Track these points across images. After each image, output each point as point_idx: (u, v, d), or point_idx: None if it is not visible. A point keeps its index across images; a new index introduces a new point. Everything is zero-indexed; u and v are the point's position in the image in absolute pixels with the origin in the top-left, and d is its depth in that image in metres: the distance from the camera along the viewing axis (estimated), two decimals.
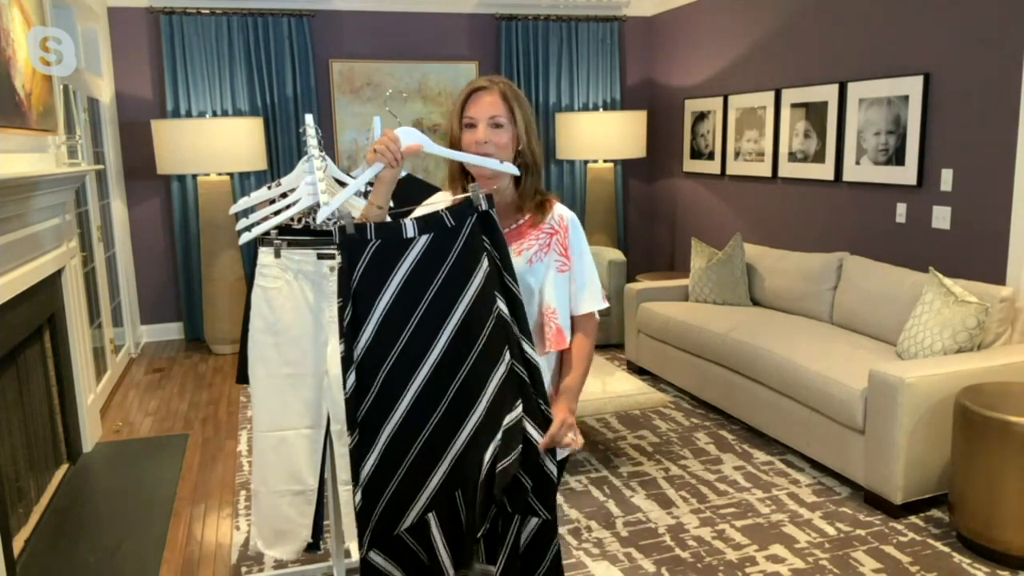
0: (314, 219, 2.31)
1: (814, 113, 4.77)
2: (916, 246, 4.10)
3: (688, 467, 3.64)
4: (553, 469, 1.67)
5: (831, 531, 3.03)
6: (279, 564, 2.85)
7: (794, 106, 4.95)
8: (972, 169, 3.77)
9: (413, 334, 1.67)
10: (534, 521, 1.70)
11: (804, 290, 4.42)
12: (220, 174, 5.61)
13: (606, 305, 1.87)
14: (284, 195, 2.32)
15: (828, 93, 4.64)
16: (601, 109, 6.55)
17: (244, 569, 2.85)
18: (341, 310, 1.67)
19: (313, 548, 2.47)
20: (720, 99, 5.71)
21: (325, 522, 2.53)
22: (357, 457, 1.69)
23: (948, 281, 3.40)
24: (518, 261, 1.75)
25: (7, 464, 2.90)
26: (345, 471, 2.37)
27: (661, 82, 6.63)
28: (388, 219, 1.77)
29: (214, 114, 5.75)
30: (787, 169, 5.06)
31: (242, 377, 2.40)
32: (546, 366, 1.80)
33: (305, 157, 2.32)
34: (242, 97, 5.82)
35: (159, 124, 5.29)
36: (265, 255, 2.29)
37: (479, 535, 1.68)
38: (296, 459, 2.35)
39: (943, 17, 3.87)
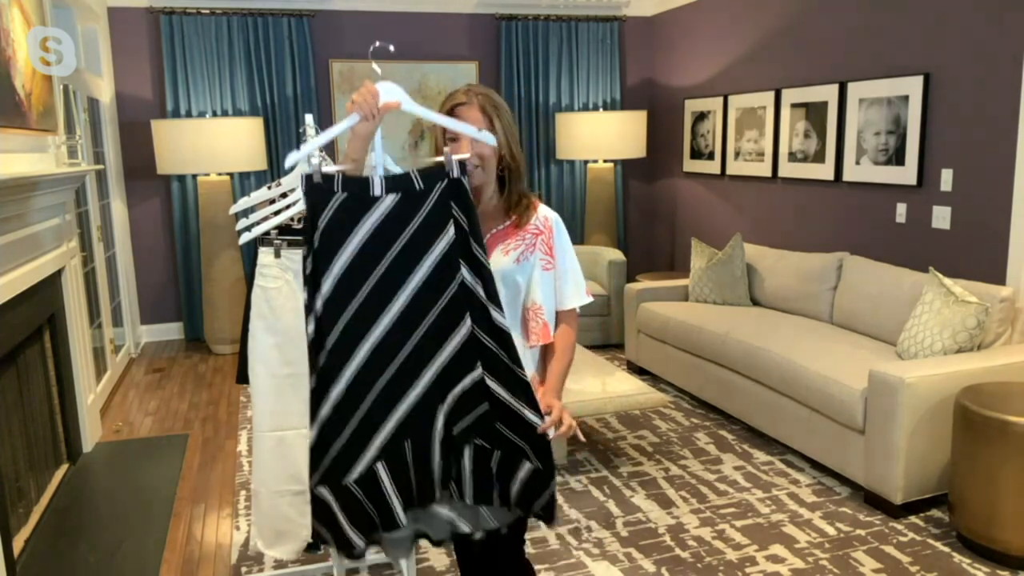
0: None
1: (814, 113, 4.77)
2: (916, 246, 4.10)
3: (688, 467, 3.64)
4: (536, 420, 1.68)
5: (831, 531, 3.03)
6: (279, 564, 2.85)
7: (794, 106, 4.95)
8: (972, 169, 3.77)
9: (373, 289, 1.67)
10: (527, 466, 1.71)
11: (804, 290, 4.42)
12: (220, 174, 5.61)
13: (590, 300, 1.94)
14: (284, 195, 2.32)
15: (828, 93, 4.64)
16: (601, 109, 6.55)
17: (244, 569, 2.85)
18: (304, 259, 1.68)
19: (313, 548, 2.47)
20: (720, 99, 5.71)
21: None
22: (315, 401, 1.71)
23: (948, 281, 3.40)
24: (506, 260, 1.81)
25: (7, 464, 2.90)
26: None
27: (661, 82, 6.63)
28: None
29: (214, 114, 5.75)
30: (787, 169, 5.06)
31: (242, 377, 2.40)
32: (531, 360, 1.88)
33: (305, 157, 2.32)
34: (242, 97, 5.82)
35: (159, 124, 5.29)
36: (265, 255, 2.29)
37: (438, 488, 1.71)
38: (296, 459, 2.35)
39: (943, 17, 3.87)
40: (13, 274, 2.97)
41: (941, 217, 3.94)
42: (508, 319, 1.76)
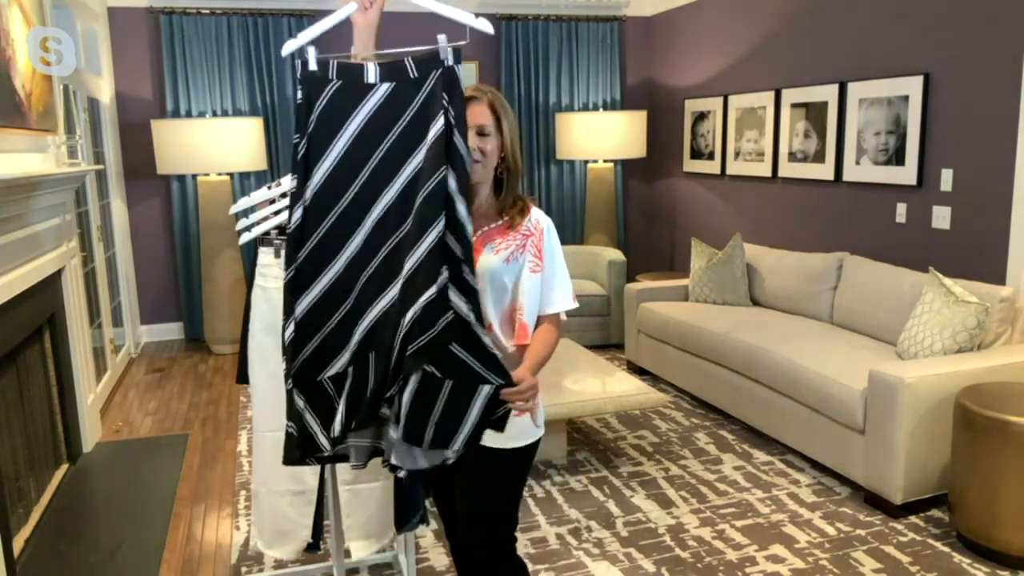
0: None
1: (814, 113, 4.77)
2: (916, 246, 4.10)
3: (688, 467, 3.64)
4: (488, 342, 1.65)
5: (831, 531, 3.03)
6: (279, 564, 2.85)
7: (794, 106, 4.95)
8: (972, 169, 3.77)
9: (367, 181, 1.65)
10: (486, 389, 1.66)
11: (804, 290, 4.42)
12: (220, 174, 5.61)
13: (575, 305, 1.93)
14: (284, 195, 2.32)
15: (828, 93, 4.64)
16: (601, 109, 6.55)
17: (244, 569, 2.85)
18: (295, 146, 1.65)
19: (313, 548, 2.47)
20: (720, 99, 5.71)
21: (325, 522, 2.53)
22: (293, 294, 1.69)
23: (948, 281, 3.40)
24: (495, 259, 1.81)
25: (7, 464, 2.90)
26: (346, 471, 2.38)
27: (661, 82, 6.63)
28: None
29: (214, 114, 5.75)
30: (787, 169, 5.06)
31: (242, 377, 2.40)
32: (511, 365, 1.83)
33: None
34: (242, 97, 5.82)
35: (159, 124, 5.29)
36: (265, 255, 2.29)
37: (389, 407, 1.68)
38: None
39: (943, 17, 3.87)
40: (13, 274, 2.97)
41: (941, 217, 3.94)
42: (494, 319, 1.80)
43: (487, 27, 1.75)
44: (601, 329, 5.63)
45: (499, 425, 1.71)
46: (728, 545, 2.94)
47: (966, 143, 3.79)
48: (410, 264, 1.62)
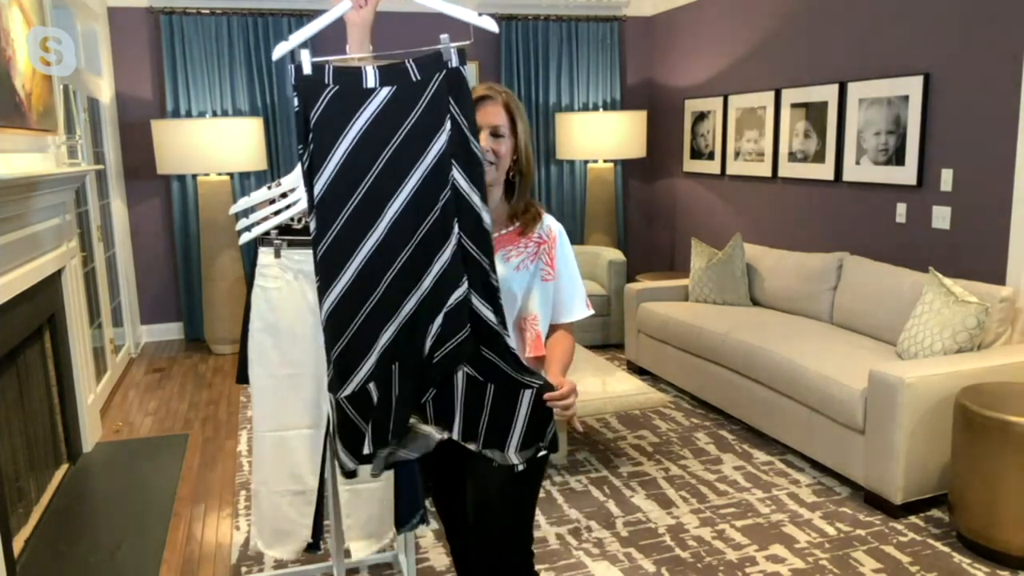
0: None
1: (814, 113, 4.77)
2: (916, 246, 4.10)
3: (688, 467, 3.64)
4: (512, 344, 1.62)
5: (831, 531, 3.03)
6: (279, 564, 2.85)
7: (794, 106, 4.95)
8: (972, 169, 3.77)
9: (369, 191, 1.57)
10: (528, 393, 1.63)
11: (804, 290, 4.42)
12: (220, 174, 5.61)
13: (590, 313, 1.88)
14: (284, 195, 2.32)
15: (828, 93, 4.64)
16: (601, 109, 6.55)
17: (244, 569, 2.85)
18: (301, 156, 1.60)
19: (313, 548, 2.47)
20: (720, 99, 5.71)
21: (325, 522, 2.53)
22: (320, 304, 1.63)
23: (948, 281, 3.40)
24: (505, 266, 1.75)
25: (7, 464, 2.90)
26: None
27: (661, 82, 6.63)
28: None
29: (214, 114, 5.75)
30: (787, 169, 5.06)
31: (242, 377, 2.40)
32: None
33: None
34: (242, 97, 5.82)
35: (159, 124, 5.29)
36: (265, 255, 2.29)
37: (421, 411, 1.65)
38: (296, 459, 2.35)
39: (943, 17, 3.87)
40: (13, 274, 2.97)
41: (941, 217, 3.94)
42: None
43: (491, 25, 1.69)
44: (601, 329, 5.64)
45: (553, 446, 1.68)
46: (728, 545, 2.94)
47: (966, 143, 3.79)
48: (431, 274, 1.59)
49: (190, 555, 2.97)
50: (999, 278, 3.63)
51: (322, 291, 1.61)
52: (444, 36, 1.59)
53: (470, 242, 1.59)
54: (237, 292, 5.63)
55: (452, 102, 1.57)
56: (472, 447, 1.68)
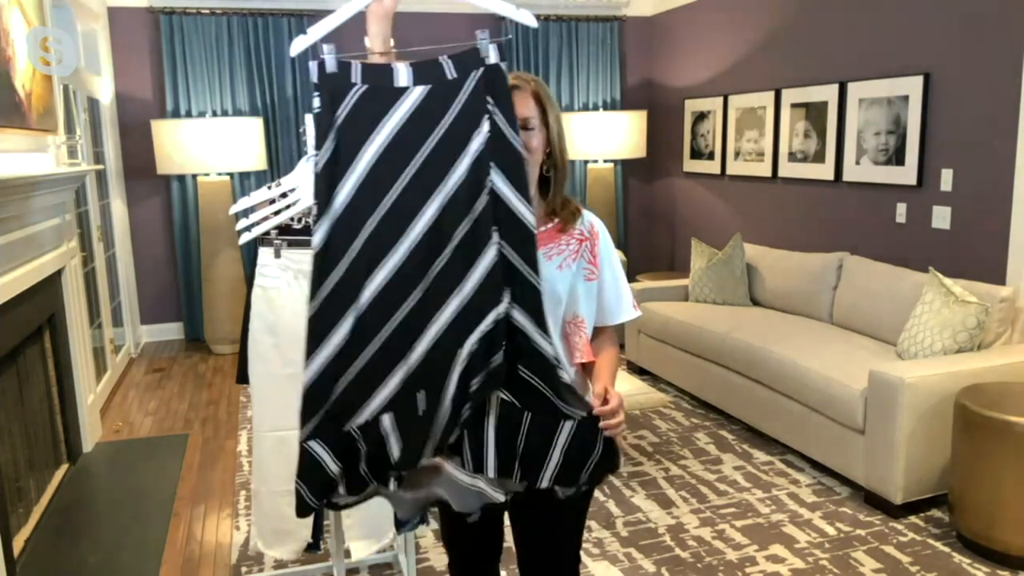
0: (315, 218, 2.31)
1: (814, 113, 4.77)
2: (916, 246, 4.10)
3: (688, 467, 3.64)
4: (550, 350, 1.47)
5: (831, 531, 3.03)
6: (279, 564, 2.85)
7: (794, 106, 4.95)
8: (972, 169, 3.77)
9: (400, 198, 1.43)
10: (568, 425, 1.49)
11: (804, 290, 4.42)
12: (220, 174, 5.61)
13: (638, 314, 1.76)
14: (284, 195, 2.32)
15: (828, 93, 4.64)
16: (601, 109, 6.55)
17: (244, 569, 2.85)
18: (316, 163, 1.45)
19: (313, 548, 2.47)
20: (720, 99, 5.71)
21: (325, 522, 2.53)
22: (319, 330, 1.44)
23: (948, 281, 3.40)
24: (547, 266, 1.61)
25: (7, 464, 2.90)
26: None
27: (661, 82, 6.63)
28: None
29: (214, 114, 5.75)
30: (787, 169, 5.06)
31: (242, 377, 2.40)
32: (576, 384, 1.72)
33: (305, 157, 2.33)
34: (242, 97, 5.82)
35: (159, 124, 5.29)
36: (265, 255, 2.29)
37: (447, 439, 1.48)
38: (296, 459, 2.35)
39: (943, 17, 3.87)
40: (13, 274, 2.97)
41: (941, 217, 3.94)
42: (553, 334, 1.55)
43: (529, 19, 1.56)
44: None
45: (610, 464, 1.54)
46: (728, 545, 2.94)
47: (966, 143, 3.79)
48: (466, 290, 1.45)
49: (190, 555, 2.97)
50: (999, 278, 3.63)
51: (320, 329, 1.44)
52: (482, 32, 1.48)
53: (512, 251, 1.46)
54: (237, 292, 5.63)
55: (491, 101, 1.46)
56: (508, 487, 1.54)
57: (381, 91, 1.44)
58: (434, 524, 3.07)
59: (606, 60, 6.56)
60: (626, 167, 6.77)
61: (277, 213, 2.29)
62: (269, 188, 2.35)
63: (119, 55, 5.71)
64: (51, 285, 3.56)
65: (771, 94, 5.14)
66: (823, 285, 4.32)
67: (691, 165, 6.18)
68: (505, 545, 1.90)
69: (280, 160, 5.95)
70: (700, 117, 5.99)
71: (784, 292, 4.57)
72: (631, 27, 6.69)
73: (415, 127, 1.44)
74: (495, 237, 1.45)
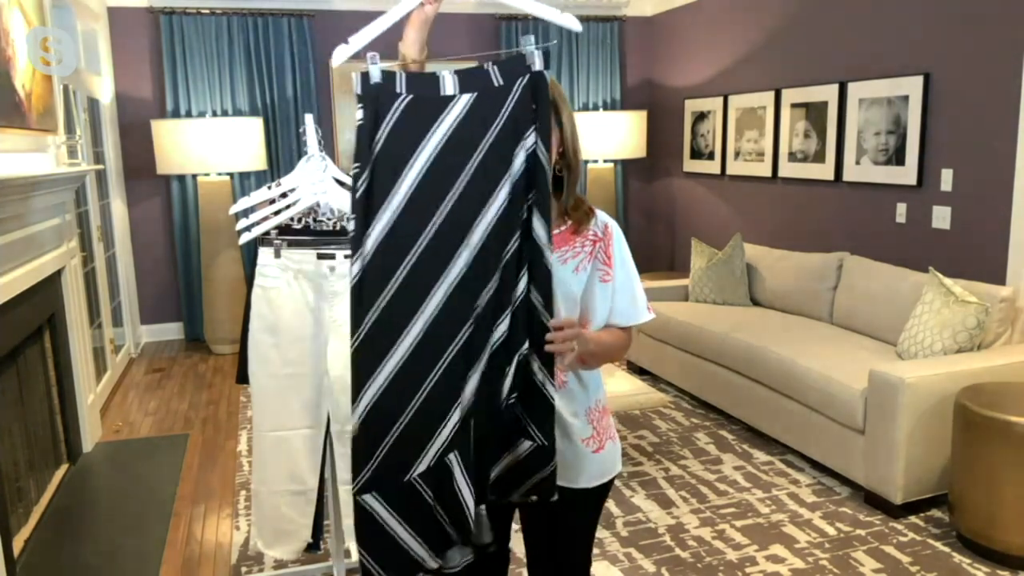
0: (315, 219, 2.31)
1: (814, 113, 4.77)
2: (916, 246, 4.10)
3: (688, 467, 3.64)
4: (553, 392, 1.44)
5: (831, 531, 3.03)
6: (279, 564, 2.85)
7: (794, 106, 4.95)
8: (972, 169, 3.77)
9: (451, 212, 1.35)
10: (526, 444, 1.44)
11: (804, 290, 4.42)
12: (220, 174, 5.61)
13: (651, 317, 1.72)
14: (284, 195, 2.32)
15: (828, 93, 4.64)
16: (601, 109, 6.55)
17: (244, 569, 2.85)
18: (356, 178, 1.35)
19: (313, 548, 2.47)
20: (720, 99, 5.71)
21: (325, 522, 2.53)
22: (364, 369, 1.33)
23: (948, 281, 3.40)
24: (563, 269, 1.59)
25: (7, 464, 2.90)
26: (345, 471, 2.38)
27: (661, 82, 6.63)
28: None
29: (214, 114, 5.75)
30: (787, 169, 5.06)
31: (242, 377, 2.40)
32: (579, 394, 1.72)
33: (305, 157, 2.33)
34: (242, 97, 5.82)
35: (159, 124, 5.29)
36: (265, 255, 2.29)
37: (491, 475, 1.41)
38: (296, 459, 2.35)
39: (943, 17, 3.87)
40: (13, 274, 2.97)
41: (941, 217, 3.94)
42: None
43: (573, 23, 1.51)
44: None
45: (547, 492, 1.47)
46: (728, 545, 2.94)
47: (966, 143, 3.79)
48: (496, 335, 1.36)
49: (190, 555, 2.97)
50: (999, 278, 3.63)
51: (365, 368, 1.33)
52: (527, 38, 1.43)
53: (537, 293, 1.40)
54: (237, 292, 5.63)
55: (535, 108, 1.41)
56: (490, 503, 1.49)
57: (427, 100, 1.39)
58: None
59: (606, 60, 6.56)
60: (626, 167, 6.77)
61: (277, 213, 2.29)
62: (269, 188, 2.35)
63: (119, 55, 5.71)
64: (51, 285, 3.56)
65: (771, 94, 5.14)
66: (823, 285, 4.32)
67: (691, 165, 6.18)
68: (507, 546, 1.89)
69: (280, 160, 5.95)
70: (700, 117, 5.99)
71: (784, 292, 4.57)
72: (631, 27, 6.69)
73: (463, 136, 1.39)
74: (525, 279, 1.41)
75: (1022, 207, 3.52)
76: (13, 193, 2.86)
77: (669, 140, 6.52)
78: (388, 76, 1.38)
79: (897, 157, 4.16)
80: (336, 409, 2.29)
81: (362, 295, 1.34)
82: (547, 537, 1.75)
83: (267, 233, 2.29)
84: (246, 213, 2.36)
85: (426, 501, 1.38)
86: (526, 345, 1.40)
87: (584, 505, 1.68)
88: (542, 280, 1.41)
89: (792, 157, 5.00)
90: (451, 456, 1.38)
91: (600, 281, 1.64)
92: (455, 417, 1.37)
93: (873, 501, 3.20)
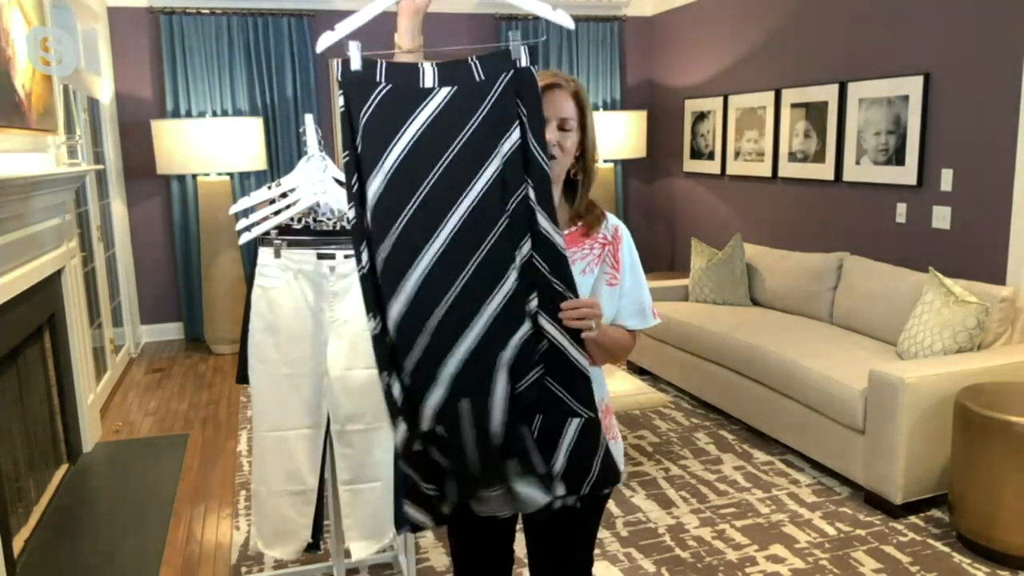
0: (315, 219, 2.31)
1: (814, 113, 4.77)
2: (916, 246, 4.10)
3: (688, 467, 3.64)
4: (584, 361, 1.45)
5: (831, 531, 3.03)
6: (279, 564, 2.85)
7: (794, 106, 4.95)
8: (972, 169, 3.77)
9: (424, 203, 1.39)
10: (575, 423, 1.46)
11: (804, 290, 4.42)
12: (220, 174, 5.61)
13: (656, 322, 1.73)
14: (284, 195, 2.32)
15: (828, 93, 4.64)
16: (601, 109, 6.55)
17: (244, 569, 2.85)
18: (346, 165, 1.41)
19: (313, 548, 2.47)
20: (720, 99, 5.71)
21: (325, 522, 2.53)
22: (383, 346, 1.42)
23: (948, 281, 3.40)
24: (572, 270, 1.56)
25: (7, 464, 2.90)
26: (345, 471, 2.38)
27: (661, 82, 6.63)
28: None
29: (214, 114, 5.75)
30: (787, 169, 5.06)
31: (242, 377, 2.40)
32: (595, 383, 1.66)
33: (305, 157, 2.33)
34: (242, 97, 5.82)
35: (159, 124, 5.29)
36: (265, 255, 2.29)
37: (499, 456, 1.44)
38: (296, 459, 2.35)
39: (943, 17, 3.87)
40: (13, 274, 2.97)
41: (941, 217, 3.94)
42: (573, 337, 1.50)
43: (566, 20, 1.51)
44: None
45: (611, 478, 1.53)
46: (728, 545, 2.94)
47: (966, 143, 3.79)
48: (501, 294, 1.40)
49: (190, 555, 2.97)
50: (999, 278, 3.63)
51: (386, 298, 1.41)
52: (515, 34, 1.46)
53: (538, 256, 1.42)
54: (237, 292, 5.63)
55: (520, 106, 1.41)
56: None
57: (405, 91, 1.40)
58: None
59: (606, 60, 6.56)
60: (626, 167, 6.77)
61: (277, 213, 2.29)
62: (269, 188, 2.35)
63: (119, 55, 5.71)
64: (51, 285, 3.56)
65: (771, 94, 5.14)
66: (823, 285, 4.32)
67: (691, 165, 6.18)
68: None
69: (280, 160, 5.95)
70: (700, 117, 5.99)
71: (784, 292, 4.57)
72: (631, 27, 6.69)
73: (440, 129, 1.40)
74: (527, 246, 1.42)
75: (1022, 207, 3.52)
76: (13, 193, 2.86)
77: (669, 140, 6.52)
78: (368, 64, 1.40)
79: (897, 157, 4.16)
80: (336, 409, 2.29)
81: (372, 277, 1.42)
82: (549, 537, 1.75)
83: (267, 233, 2.28)
84: (246, 213, 2.36)
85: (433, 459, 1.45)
86: (531, 304, 1.43)
87: (586, 505, 1.68)
88: (546, 252, 1.43)
89: (792, 157, 5.00)
90: (436, 428, 1.43)
91: (606, 284, 1.65)
92: (440, 389, 1.42)
93: (873, 501, 3.20)
